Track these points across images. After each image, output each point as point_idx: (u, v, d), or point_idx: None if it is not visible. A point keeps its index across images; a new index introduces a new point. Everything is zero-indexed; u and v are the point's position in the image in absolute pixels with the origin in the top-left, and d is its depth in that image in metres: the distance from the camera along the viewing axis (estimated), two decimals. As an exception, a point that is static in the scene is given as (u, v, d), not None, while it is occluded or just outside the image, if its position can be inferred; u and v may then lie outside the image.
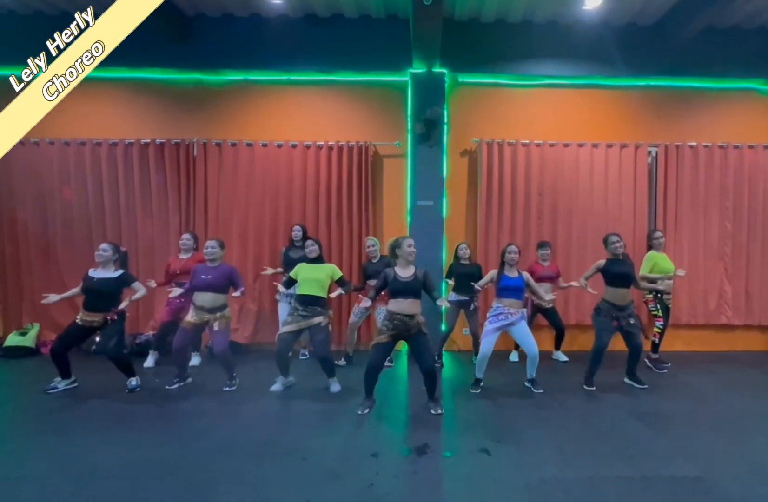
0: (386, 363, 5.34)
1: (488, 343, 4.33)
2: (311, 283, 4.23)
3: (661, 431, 3.55)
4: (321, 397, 4.20)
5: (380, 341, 3.80)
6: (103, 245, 4.30)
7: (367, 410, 3.86)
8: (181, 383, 4.48)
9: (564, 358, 5.60)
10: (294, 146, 6.03)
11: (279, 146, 6.03)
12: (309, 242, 4.42)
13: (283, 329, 4.23)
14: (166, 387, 4.39)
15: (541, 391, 4.40)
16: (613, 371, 4.83)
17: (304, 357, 5.61)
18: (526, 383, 4.53)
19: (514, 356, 5.61)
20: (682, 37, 5.60)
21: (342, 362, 5.29)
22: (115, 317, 4.25)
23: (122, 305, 4.26)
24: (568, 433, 3.48)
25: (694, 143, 6.14)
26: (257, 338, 5.93)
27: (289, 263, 5.27)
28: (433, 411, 3.82)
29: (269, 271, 5.44)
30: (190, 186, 6.03)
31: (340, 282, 4.42)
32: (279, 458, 3.03)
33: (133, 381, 4.37)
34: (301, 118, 6.12)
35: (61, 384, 4.35)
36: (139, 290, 4.36)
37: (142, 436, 3.38)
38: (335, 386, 4.41)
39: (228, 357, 4.36)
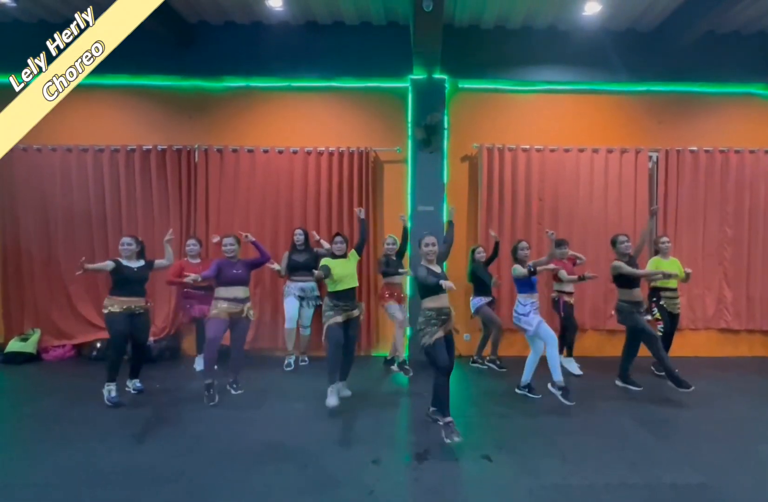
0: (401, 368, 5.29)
1: (550, 334, 4.22)
2: (350, 277, 4.21)
3: (664, 437, 3.53)
4: (321, 403, 4.17)
5: (438, 338, 3.51)
6: (126, 239, 4.37)
7: (456, 439, 3.31)
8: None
9: (578, 371, 5.29)
10: (295, 152, 6.05)
11: (280, 152, 6.05)
12: (338, 239, 4.34)
13: (333, 321, 4.07)
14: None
15: (573, 403, 4.08)
16: (614, 376, 4.81)
17: (303, 363, 5.59)
18: (551, 388, 4.25)
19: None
20: (682, 42, 5.62)
21: (409, 373, 5.06)
22: (150, 303, 4.57)
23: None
24: (570, 439, 3.46)
25: (695, 148, 6.14)
26: (257, 344, 5.90)
27: (295, 267, 5.29)
28: (449, 439, 3.32)
29: (277, 266, 5.34)
30: (191, 192, 6.04)
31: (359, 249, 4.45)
32: (279, 464, 3.03)
33: (137, 382, 4.49)
34: (302, 124, 6.14)
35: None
36: (164, 260, 4.59)
37: (142, 442, 3.37)
38: (346, 391, 4.35)
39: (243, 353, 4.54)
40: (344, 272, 4.19)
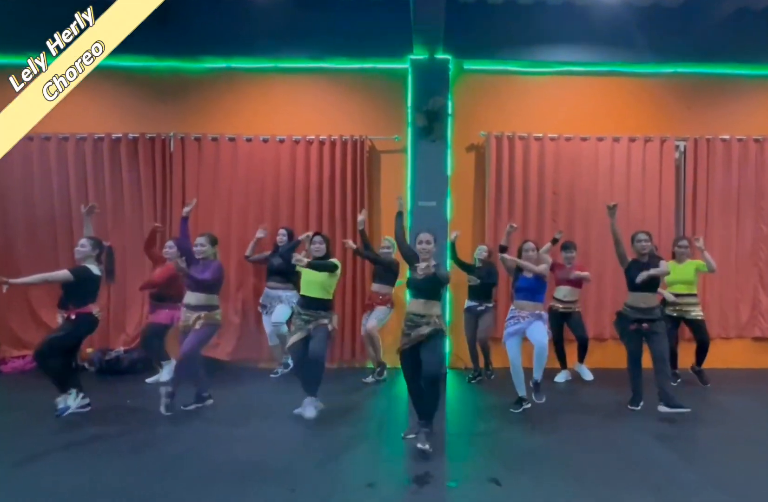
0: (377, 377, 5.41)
1: (510, 350, 4.41)
2: (313, 285, 4.21)
3: (689, 457, 3.52)
4: (310, 419, 4.20)
5: (402, 349, 3.68)
6: (82, 240, 4.26)
7: (412, 436, 3.70)
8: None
9: (589, 376, 5.55)
10: (281, 141, 6.05)
11: (265, 141, 6.05)
12: (317, 238, 4.34)
13: (291, 341, 4.24)
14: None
15: (543, 400, 4.41)
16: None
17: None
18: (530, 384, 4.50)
19: (560, 377, 5.53)
20: (713, 19, 5.65)
21: (369, 378, 5.39)
22: (72, 317, 4.08)
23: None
24: (587, 459, 3.47)
25: (727, 136, 6.14)
26: (240, 355, 5.89)
27: (271, 271, 5.35)
28: (419, 445, 3.44)
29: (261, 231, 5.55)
30: (166, 185, 6.04)
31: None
32: (265, 487, 3.00)
33: (62, 403, 4.15)
34: (289, 109, 6.14)
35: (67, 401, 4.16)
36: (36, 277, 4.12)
37: (114, 462, 3.37)
38: (310, 410, 4.16)
39: (189, 363, 4.23)
40: (309, 277, 4.23)
